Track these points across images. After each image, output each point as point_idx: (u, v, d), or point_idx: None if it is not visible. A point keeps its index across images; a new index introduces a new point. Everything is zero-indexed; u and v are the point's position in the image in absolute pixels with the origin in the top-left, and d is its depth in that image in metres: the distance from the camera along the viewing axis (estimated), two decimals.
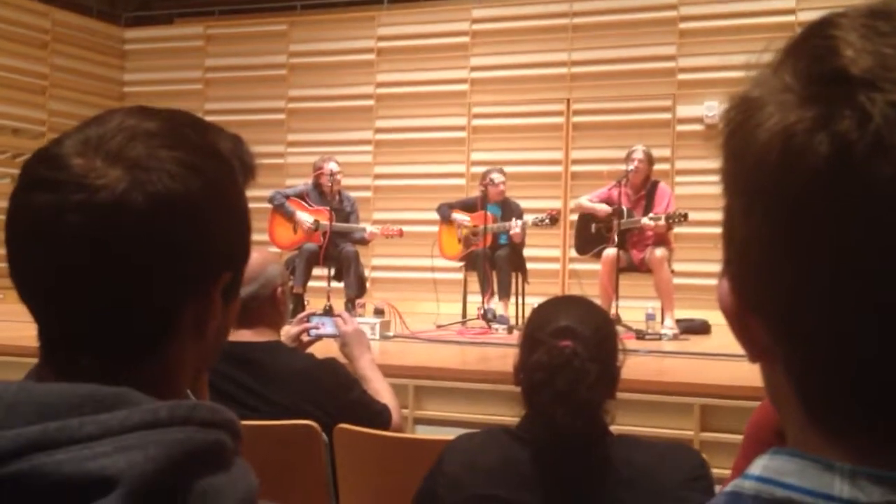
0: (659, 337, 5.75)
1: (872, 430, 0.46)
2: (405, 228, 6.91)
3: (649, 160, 6.20)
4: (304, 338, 2.69)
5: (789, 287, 0.46)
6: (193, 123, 0.74)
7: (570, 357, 1.53)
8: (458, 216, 6.77)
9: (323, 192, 6.66)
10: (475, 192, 6.89)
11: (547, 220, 6.41)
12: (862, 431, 0.46)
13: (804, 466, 0.46)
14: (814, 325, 0.46)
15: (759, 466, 0.48)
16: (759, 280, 0.48)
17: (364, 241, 6.79)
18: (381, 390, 2.55)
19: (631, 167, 6.11)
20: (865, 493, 0.44)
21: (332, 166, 6.63)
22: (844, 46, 0.45)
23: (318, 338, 2.73)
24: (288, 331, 2.66)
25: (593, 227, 6.42)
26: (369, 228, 6.77)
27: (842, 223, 0.44)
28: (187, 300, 0.71)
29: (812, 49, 0.47)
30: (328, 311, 4.51)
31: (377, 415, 2.43)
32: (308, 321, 2.71)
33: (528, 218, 6.51)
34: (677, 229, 6.24)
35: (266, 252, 2.56)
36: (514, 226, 6.46)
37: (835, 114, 0.44)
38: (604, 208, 6.25)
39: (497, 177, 6.66)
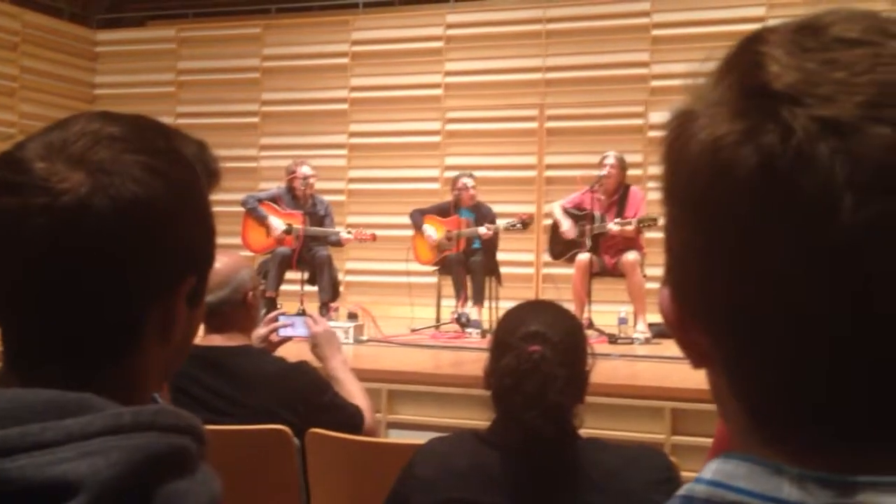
0: (631, 341, 5.78)
1: (812, 434, 0.47)
2: (379, 232, 6.90)
3: (622, 166, 6.24)
4: (273, 338, 2.68)
5: (722, 295, 0.47)
6: (157, 128, 0.74)
7: (538, 361, 1.54)
8: (428, 228, 6.77)
9: (296, 196, 6.64)
10: (449, 197, 6.91)
11: (519, 225, 6.44)
12: (802, 435, 0.47)
13: (753, 470, 0.47)
14: (748, 332, 0.47)
15: (710, 470, 0.49)
16: (695, 288, 0.49)
17: (339, 244, 6.78)
18: (354, 391, 2.54)
19: (603, 173, 6.15)
20: (813, 496, 0.45)
21: (305, 170, 6.61)
22: (770, 62, 0.47)
23: (288, 338, 2.72)
24: (256, 331, 2.65)
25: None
26: (343, 234, 6.75)
27: (768, 233, 0.45)
28: (152, 305, 0.71)
29: (742, 63, 0.48)
30: (301, 315, 4.50)
31: (350, 417, 2.42)
32: (276, 321, 2.70)
33: (501, 223, 6.53)
34: (650, 234, 6.29)
35: (237, 256, 2.55)
36: (483, 229, 6.47)
37: (760, 127, 0.45)
38: (568, 228, 6.28)
39: (468, 181, 6.68)
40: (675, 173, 0.50)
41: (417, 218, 6.87)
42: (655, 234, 6.03)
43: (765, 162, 0.45)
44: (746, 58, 0.48)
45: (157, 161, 0.70)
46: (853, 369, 0.45)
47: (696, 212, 0.48)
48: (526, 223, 6.48)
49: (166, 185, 0.69)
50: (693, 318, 0.50)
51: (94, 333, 0.69)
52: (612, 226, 5.97)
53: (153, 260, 0.70)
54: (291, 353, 2.60)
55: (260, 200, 6.72)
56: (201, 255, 0.75)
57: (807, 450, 0.47)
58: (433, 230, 6.76)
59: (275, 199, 6.71)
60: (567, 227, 6.29)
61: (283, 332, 2.69)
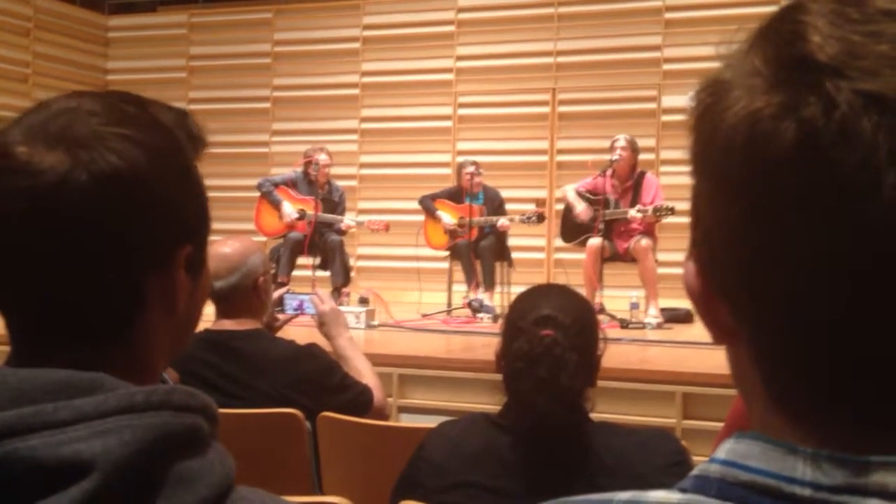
0: (642, 326, 5.77)
1: (835, 413, 0.46)
2: (390, 218, 6.90)
3: (633, 148, 6.20)
4: (281, 315, 2.70)
5: (753, 270, 0.47)
6: (133, 100, 0.74)
7: (550, 345, 1.54)
8: (443, 216, 6.77)
9: (311, 182, 6.64)
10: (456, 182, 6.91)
11: (534, 219, 6.44)
12: (825, 414, 0.47)
13: (767, 450, 0.47)
14: (777, 309, 0.46)
15: (724, 450, 0.48)
16: (724, 263, 0.48)
17: (342, 232, 6.78)
18: (362, 369, 2.55)
19: (615, 157, 6.11)
20: (828, 475, 0.45)
21: (322, 157, 6.60)
22: (812, 32, 0.45)
23: (294, 315, 2.74)
24: None
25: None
26: (347, 220, 6.73)
27: (806, 210, 0.44)
28: (150, 275, 0.71)
29: (781, 33, 0.47)
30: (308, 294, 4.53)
31: (359, 395, 2.44)
32: (283, 299, 2.72)
33: (517, 216, 6.53)
34: (665, 220, 6.25)
35: (248, 241, 2.55)
36: (503, 220, 6.47)
37: (801, 101, 0.44)
38: (582, 210, 6.25)
39: (475, 168, 6.68)
40: (708, 146, 0.48)
41: (429, 203, 6.86)
42: (669, 220, 6.00)
43: (806, 136, 0.44)
44: (786, 27, 0.47)
45: (135, 131, 0.70)
46: (878, 348, 0.45)
47: (732, 185, 0.47)
48: (542, 217, 6.48)
49: (146, 153, 0.70)
50: (719, 292, 0.50)
51: (94, 310, 0.69)
52: (634, 212, 5.92)
53: (142, 230, 0.70)
54: (303, 336, 2.61)
55: (276, 185, 6.73)
56: (195, 222, 0.75)
57: (824, 429, 0.46)
58: (448, 216, 6.76)
59: (290, 183, 6.72)
60: (581, 209, 6.27)
61: (289, 311, 2.72)
